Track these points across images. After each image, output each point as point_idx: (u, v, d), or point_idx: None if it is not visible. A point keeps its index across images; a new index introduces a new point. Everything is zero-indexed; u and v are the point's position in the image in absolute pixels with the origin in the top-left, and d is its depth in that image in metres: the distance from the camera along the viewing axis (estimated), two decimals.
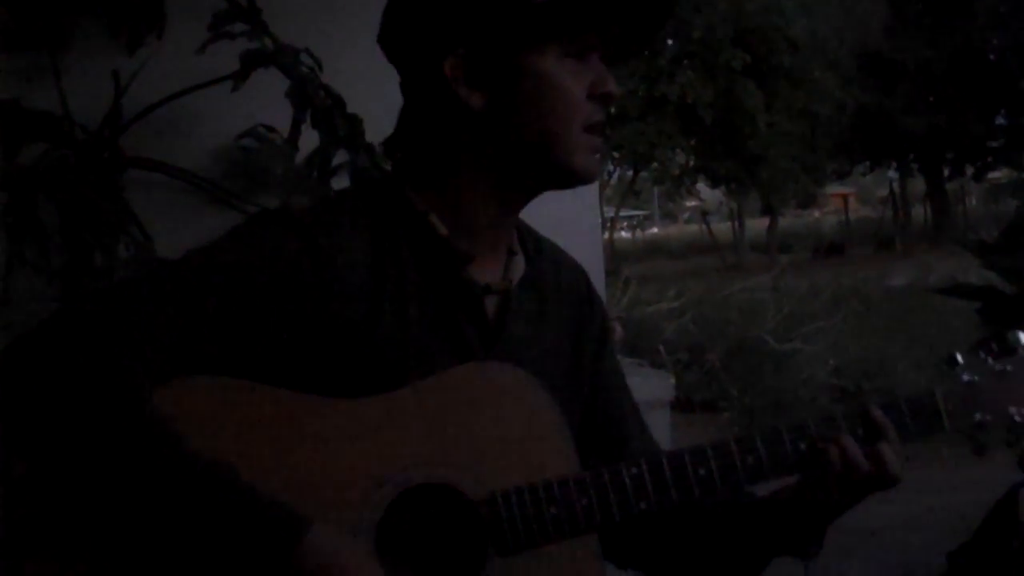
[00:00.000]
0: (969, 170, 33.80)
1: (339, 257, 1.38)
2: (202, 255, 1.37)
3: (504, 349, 1.46)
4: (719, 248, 30.62)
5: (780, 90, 25.01)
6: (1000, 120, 31.58)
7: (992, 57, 29.31)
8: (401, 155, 1.49)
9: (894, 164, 35.00)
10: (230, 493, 1.24)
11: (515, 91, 1.39)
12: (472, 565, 1.35)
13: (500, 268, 1.49)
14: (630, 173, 29.16)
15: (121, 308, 1.32)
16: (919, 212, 38.26)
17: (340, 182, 2.48)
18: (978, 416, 1.50)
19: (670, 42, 24.45)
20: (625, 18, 1.45)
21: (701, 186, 31.00)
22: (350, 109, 2.51)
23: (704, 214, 37.22)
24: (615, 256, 24.71)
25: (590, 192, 3.10)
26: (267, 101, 2.49)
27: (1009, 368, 1.52)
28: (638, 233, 49.91)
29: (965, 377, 1.52)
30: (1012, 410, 1.51)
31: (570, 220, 2.34)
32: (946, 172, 34.12)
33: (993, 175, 35.66)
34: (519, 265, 1.52)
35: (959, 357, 1.53)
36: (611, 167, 28.22)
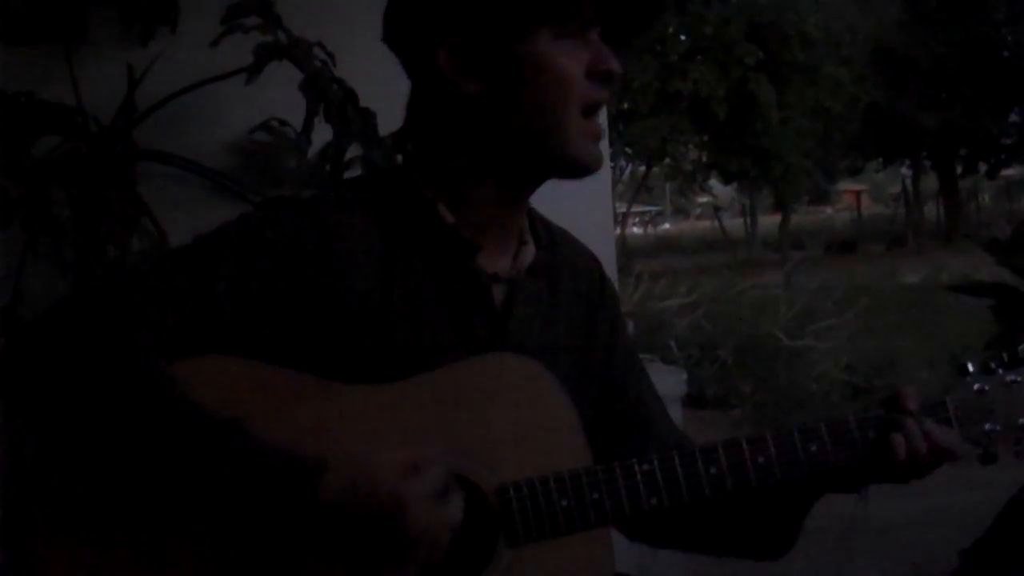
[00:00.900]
0: (982, 167, 33.67)
1: (349, 242, 1.38)
2: (214, 237, 1.39)
3: (511, 337, 1.46)
4: (731, 244, 30.59)
5: (793, 86, 24.95)
6: (1014, 117, 31.46)
7: (1006, 54, 29.20)
8: (411, 145, 1.49)
9: (907, 161, 34.89)
10: (246, 441, 1.25)
11: (510, 76, 1.39)
12: (482, 554, 1.35)
13: (509, 257, 1.49)
14: (642, 169, 29.14)
15: (134, 288, 1.33)
16: (932, 209, 38.16)
17: (353, 175, 2.48)
18: (988, 426, 1.52)
19: (683, 37, 24.42)
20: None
21: (713, 182, 30.97)
22: (363, 103, 2.51)
23: (716, 210, 37.17)
24: (627, 252, 24.67)
25: (602, 187, 3.09)
26: (280, 95, 2.49)
27: (1019, 379, 1.53)
28: (650, 229, 49.84)
29: (976, 386, 1.53)
30: (1021, 421, 1.52)
31: (582, 215, 2.33)
32: (959, 169, 33.99)
33: (1006, 172, 35.52)
34: (529, 254, 1.51)
35: (970, 366, 1.55)
36: (623, 163, 28.18)
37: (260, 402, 1.32)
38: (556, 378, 1.43)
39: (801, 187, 27.56)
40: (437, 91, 1.42)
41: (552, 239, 1.57)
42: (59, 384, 1.27)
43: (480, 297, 1.45)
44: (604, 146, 1.53)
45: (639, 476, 1.40)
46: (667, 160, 27.11)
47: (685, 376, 5.05)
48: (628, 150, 26.78)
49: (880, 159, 34.92)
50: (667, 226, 53.49)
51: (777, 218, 32.02)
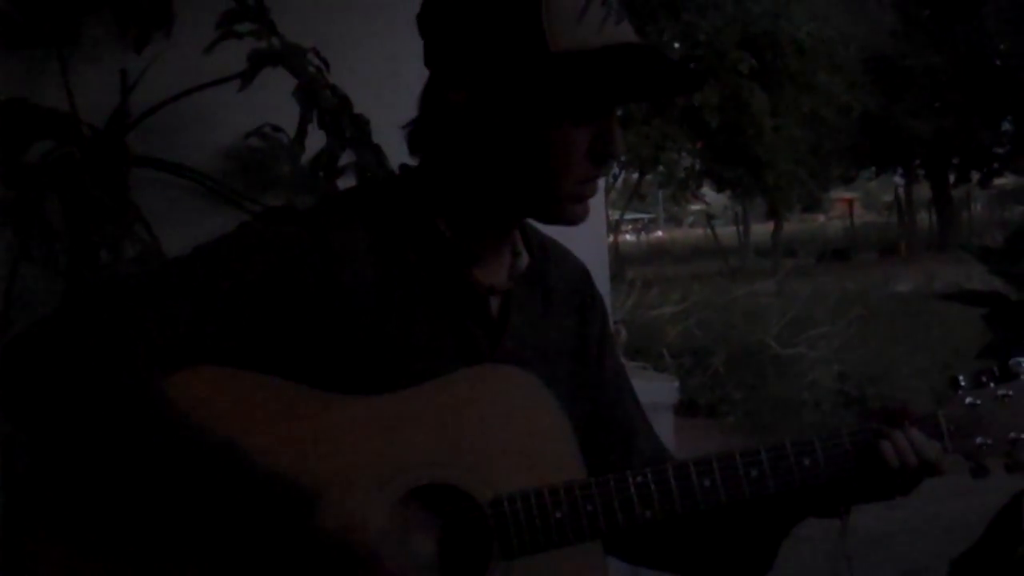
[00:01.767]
0: (975, 176, 33.74)
1: (346, 254, 1.38)
2: (211, 249, 1.38)
3: (507, 348, 1.46)
4: (724, 252, 30.59)
5: (786, 94, 24.96)
6: (1006, 126, 31.52)
7: (999, 63, 29.26)
8: (418, 160, 1.50)
9: (900, 169, 34.96)
10: (244, 466, 1.25)
11: (514, 139, 1.39)
12: (476, 567, 1.35)
13: (504, 269, 1.50)
14: (635, 176, 29.14)
15: (131, 299, 1.33)
16: (924, 218, 38.23)
17: (346, 182, 2.49)
18: (979, 439, 1.52)
19: (677, 45, 24.43)
20: (645, 97, 1.47)
21: (706, 190, 30.95)
22: (357, 109, 2.51)
23: (709, 218, 37.17)
24: (619, 259, 24.69)
25: (595, 196, 3.09)
26: (274, 101, 2.49)
27: (1010, 393, 1.53)
28: (643, 236, 49.85)
29: (968, 400, 1.53)
30: (1013, 435, 1.52)
31: None
32: (952, 178, 34.07)
33: (999, 181, 35.56)
34: (523, 263, 1.52)
35: (962, 379, 1.55)
36: (616, 170, 28.19)
37: (257, 414, 1.33)
38: (550, 389, 1.43)
39: (794, 195, 27.56)
40: (446, 120, 1.42)
41: (543, 247, 1.58)
42: (52, 399, 1.27)
43: (478, 309, 1.46)
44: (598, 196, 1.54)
45: (632, 488, 1.40)
46: (660, 168, 27.08)
47: (677, 384, 5.04)
48: (621, 157, 26.81)
49: (873, 167, 35.01)
50: (660, 233, 53.53)
51: (770, 226, 32.04)
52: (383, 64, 2.61)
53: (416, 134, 1.48)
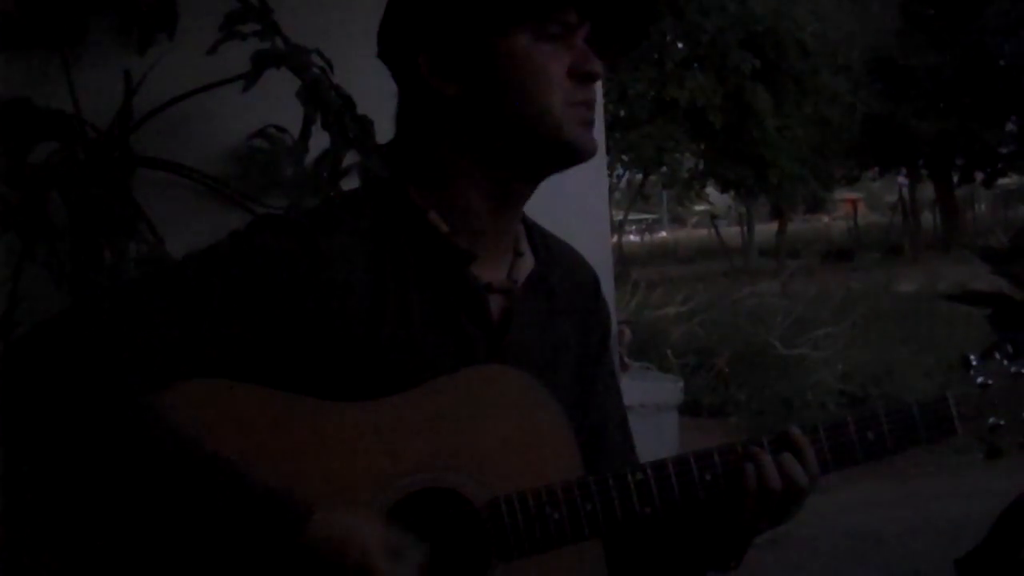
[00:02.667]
0: (979, 176, 33.67)
1: (339, 258, 1.37)
2: (203, 259, 1.38)
3: (509, 350, 1.46)
4: (728, 252, 30.57)
5: (790, 95, 24.94)
6: (1010, 126, 31.46)
7: (1003, 63, 29.20)
8: (402, 155, 1.49)
9: (904, 170, 34.89)
10: (234, 481, 1.24)
11: (489, 78, 1.39)
12: (475, 569, 1.35)
13: (505, 268, 1.49)
14: (639, 177, 29.10)
15: (122, 311, 1.32)
16: (928, 218, 38.16)
17: (350, 183, 2.48)
18: (992, 420, 1.49)
19: (680, 45, 24.41)
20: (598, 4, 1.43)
21: (710, 190, 30.90)
22: (361, 110, 2.51)
23: (713, 218, 37.13)
24: (624, 260, 24.68)
25: (599, 195, 3.09)
26: (278, 102, 2.49)
27: (1023, 371, 1.50)
28: (647, 237, 49.85)
29: (979, 380, 1.50)
30: None
31: (579, 223, 2.34)
32: (956, 178, 34.00)
33: (1003, 181, 35.56)
34: (526, 265, 1.51)
35: (973, 359, 1.52)
36: (620, 171, 28.17)
37: (252, 424, 1.32)
38: (548, 390, 1.43)
39: (798, 196, 27.55)
40: (421, 98, 1.43)
41: (549, 250, 1.57)
42: (48, 409, 1.26)
43: (476, 308, 1.45)
44: (600, 152, 1.53)
45: (632, 486, 1.39)
46: (664, 168, 27.06)
47: (681, 384, 5.05)
48: (625, 158, 26.74)
49: (877, 168, 34.94)
50: (664, 234, 53.51)
51: (774, 226, 32.03)
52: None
53: (399, 133, 1.49)
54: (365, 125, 2.51)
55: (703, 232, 44.74)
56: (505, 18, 1.37)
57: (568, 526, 1.37)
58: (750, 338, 10.89)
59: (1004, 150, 32.06)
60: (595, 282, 1.63)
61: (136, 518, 1.26)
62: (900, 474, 6.62)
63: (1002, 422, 1.49)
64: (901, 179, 37.09)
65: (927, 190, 37.15)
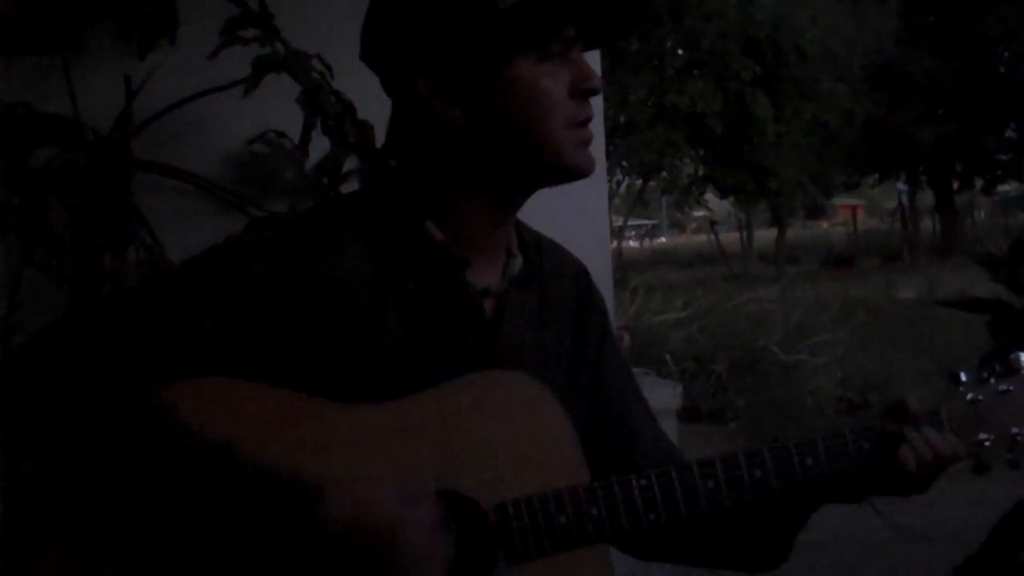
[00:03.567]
0: (978, 183, 33.68)
1: (337, 262, 1.38)
2: (200, 262, 1.38)
3: (502, 351, 1.46)
4: (727, 258, 30.57)
5: (789, 101, 24.94)
6: (1010, 133, 31.46)
7: (1002, 70, 29.23)
8: (396, 162, 1.49)
9: (903, 176, 34.89)
10: (246, 463, 1.24)
11: (492, 102, 1.39)
12: (481, 572, 1.35)
13: (499, 271, 1.49)
14: (639, 182, 29.11)
15: (122, 315, 1.33)
16: (928, 224, 38.15)
17: (350, 188, 2.49)
18: (981, 435, 1.52)
19: (680, 52, 24.44)
20: (593, 16, 1.43)
21: (709, 196, 30.89)
22: (361, 115, 2.52)
23: (712, 224, 37.13)
24: (623, 265, 24.67)
25: (598, 201, 3.10)
26: (278, 106, 2.49)
27: (1011, 388, 1.53)
28: (646, 242, 49.82)
29: (969, 396, 1.53)
30: (1014, 430, 1.52)
31: (579, 228, 2.34)
32: (955, 185, 34.00)
33: (1002, 188, 35.53)
34: (517, 266, 1.51)
35: (963, 376, 1.55)
36: (619, 176, 28.18)
37: (255, 423, 1.32)
38: (552, 392, 1.43)
39: (797, 202, 27.60)
40: (420, 116, 1.42)
41: (539, 248, 1.57)
42: (51, 409, 1.27)
43: (471, 312, 1.45)
44: (600, 158, 1.54)
45: (637, 492, 1.40)
46: (663, 174, 27.07)
47: (680, 390, 5.03)
48: (624, 164, 26.77)
49: (876, 174, 34.93)
50: (663, 240, 53.47)
51: (773, 232, 32.01)
52: None
53: (391, 140, 1.49)
54: (365, 130, 2.51)
55: (703, 238, 44.72)
56: (507, 45, 1.38)
57: (574, 530, 1.37)
58: (749, 344, 10.89)
59: (1003, 157, 32.07)
60: (584, 272, 1.63)
61: (150, 507, 1.26)
62: None
63: (991, 438, 1.52)
64: (900, 185, 37.08)
65: (927, 197, 37.15)
